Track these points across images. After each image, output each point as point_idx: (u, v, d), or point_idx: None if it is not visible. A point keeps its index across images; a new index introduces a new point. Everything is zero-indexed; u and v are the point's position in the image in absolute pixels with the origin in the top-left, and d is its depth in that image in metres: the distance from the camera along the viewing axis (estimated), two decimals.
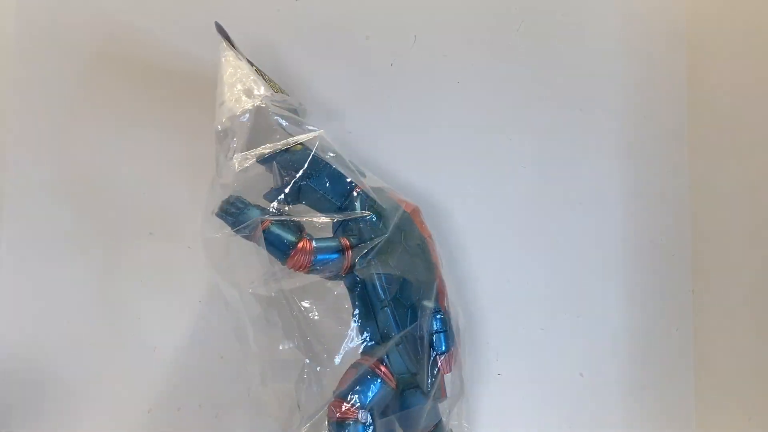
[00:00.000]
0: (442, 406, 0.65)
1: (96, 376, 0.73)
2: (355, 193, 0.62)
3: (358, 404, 0.58)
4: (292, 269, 0.60)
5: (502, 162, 0.76)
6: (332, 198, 0.62)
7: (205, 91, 0.74)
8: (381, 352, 0.61)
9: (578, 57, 0.77)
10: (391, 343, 0.61)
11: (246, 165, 0.61)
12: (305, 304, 0.64)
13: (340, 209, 0.62)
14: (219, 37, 0.63)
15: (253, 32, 0.65)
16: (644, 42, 0.77)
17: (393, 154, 0.75)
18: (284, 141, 0.61)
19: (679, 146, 0.77)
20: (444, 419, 0.65)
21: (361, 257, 0.61)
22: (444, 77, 0.76)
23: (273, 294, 0.62)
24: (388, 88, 0.75)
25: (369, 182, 0.64)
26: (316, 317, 0.63)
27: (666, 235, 0.76)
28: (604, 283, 0.75)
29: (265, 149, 0.61)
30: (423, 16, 0.76)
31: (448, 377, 0.65)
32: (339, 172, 0.62)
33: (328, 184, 0.62)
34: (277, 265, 0.60)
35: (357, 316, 0.62)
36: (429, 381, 0.62)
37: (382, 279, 0.62)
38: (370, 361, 0.60)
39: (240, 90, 0.61)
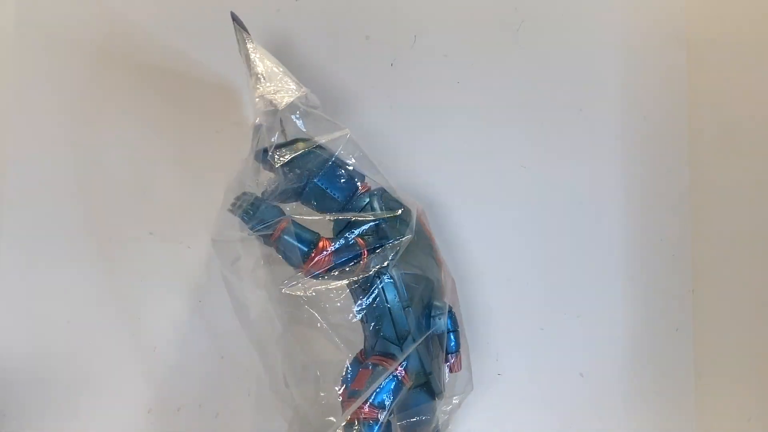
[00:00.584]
0: (449, 403, 0.65)
1: (96, 376, 0.73)
2: (364, 192, 0.62)
3: (379, 405, 0.58)
4: (311, 270, 0.58)
5: (503, 162, 0.76)
6: (337, 197, 0.61)
7: (206, 91, 0.74)
8: (397, 351, 0.60)
9: (578, 57, 0.77)
10: (416, 344, 0.61)
11: (284, 160, 0.59)
12: (339, 303, 0.62)
13: (344, 208, 0.61)
14: (233, 28, 0.61)
15: (253, 32, 0.65)
16: (644, 42, 0.77)
17: (393, 153, 0.75)
18: (319, 137, 0.60)
19: (679, 146, 0.77)
20: (447, 417, 0.65)
21: (391, 257, 0.60)
22: (444, 77, 0.76)
23: (311, 294, 0.60)
24: (388, 88, 0.75)
25: (372, 182, 0.64)
26: (349, 317, 0.62)
27: (666, 235, 0.76)
28: (604, 283, 0.75)
29: (305, 146, 0.60)
30: (423, 16, 0.76)
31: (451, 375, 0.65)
32: (345, 171, 0.61)
33: (333, 183, 0.61)
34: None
35: (368, 314, 0.61)
36: (442, 380, 0.63)
37: (402, 278, 0.61)
38: (388, 362, 0.60)
39: (277, 84, 0.60)
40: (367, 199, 0.62)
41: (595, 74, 0.77)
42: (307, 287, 0.60)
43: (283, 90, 0.60)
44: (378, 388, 0.58)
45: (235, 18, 0.61)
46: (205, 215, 0.73)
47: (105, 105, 0.75)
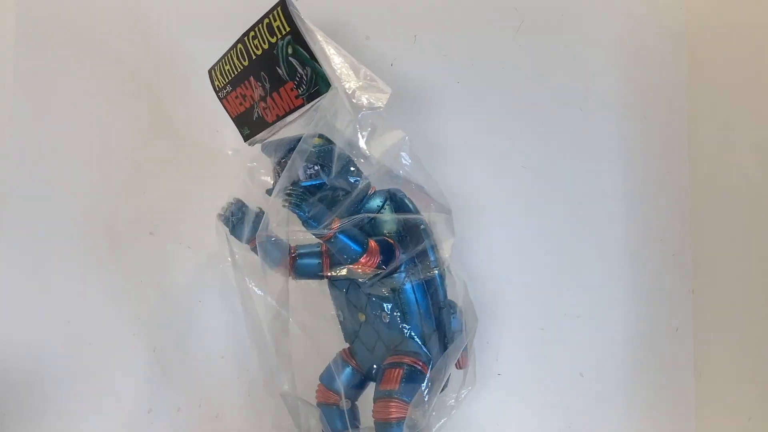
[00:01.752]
0: (453, 397, 0.65)
1: (96, 376, 0.73)
2: (373, 193, 0.60)
3: (414, 404, 0.58)
4: (358, 269, 0.57)
5: (503, 162, 0.76)
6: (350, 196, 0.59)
7: (206, 90, 0.74)
8: (423, 350, 0.60)
9: (578, 57, 0.77)
10: (464, 344, 0.61)
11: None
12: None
13: (356, 210, 0.59)
14: (286, 15, 0.54)
15: None
16: (644, 42, 0.77)
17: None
18: (381, 138, 0.59)
19: (679, 146, 0.77)
20: (454, 411, 0.66)
21: (444, 260, 0.61)
22: (444, 77, 0.76)
23: (386, 293, 0.60)
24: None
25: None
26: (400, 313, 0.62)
27: (666, 235, 0.76)
28: (604, 283, 0.75)
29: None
30: (423, 16, 0.76)
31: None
32: (359, 170, 0.59)
33: (348, 182, 0.59)
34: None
35: (403, 316, 0.61)
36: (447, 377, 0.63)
37: (441, 281, 0.61)
38: (414, 361, 0.60)
39: (366, 81, 0.56)
40: (380, 201, 0.60)
41: (595, 74, 0.77)
42: (387, 284, 0.59)
43: (374, 87, 0.56)
44: (410, 387, 0.58)
45: (290, 3, 0.53)
46: (205, 215, 0.73)
47: (105, 104, 0.75)
